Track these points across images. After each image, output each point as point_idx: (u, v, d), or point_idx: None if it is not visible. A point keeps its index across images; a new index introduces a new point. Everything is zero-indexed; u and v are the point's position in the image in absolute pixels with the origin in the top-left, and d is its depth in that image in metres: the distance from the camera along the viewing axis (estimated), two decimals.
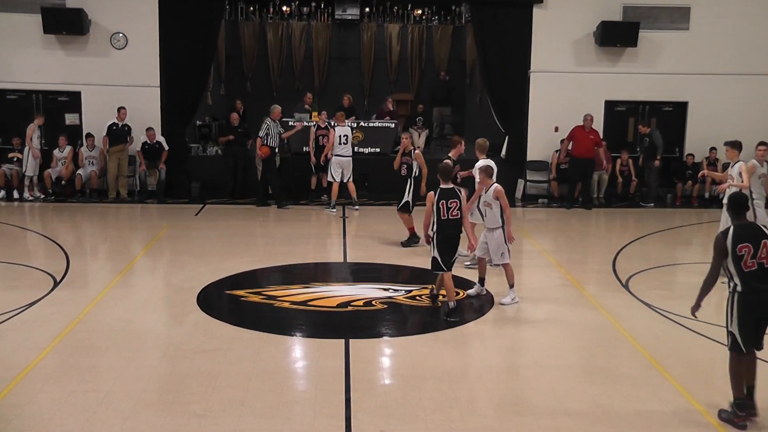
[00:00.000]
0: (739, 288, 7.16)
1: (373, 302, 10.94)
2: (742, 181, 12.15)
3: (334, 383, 8.06)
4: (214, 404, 7.46)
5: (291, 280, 12.23)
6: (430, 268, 10.67)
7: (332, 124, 18.02)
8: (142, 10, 19.25)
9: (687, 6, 19.97)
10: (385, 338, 9.78)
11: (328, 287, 11.85)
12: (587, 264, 13.98)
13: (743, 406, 7.23)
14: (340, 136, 17.42)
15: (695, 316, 7.66)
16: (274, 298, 11.06)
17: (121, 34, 19.40)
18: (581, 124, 19.01)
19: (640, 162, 19.60)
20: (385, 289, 11.59)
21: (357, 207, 17.47)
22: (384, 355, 9.23)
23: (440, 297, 10.84)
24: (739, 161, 12.49)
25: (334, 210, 17.53)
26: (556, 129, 19.85)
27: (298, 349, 9.45)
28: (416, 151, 14.37)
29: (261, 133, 18.02)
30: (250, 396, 7.68)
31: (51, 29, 19.02)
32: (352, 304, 10.87)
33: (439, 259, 10.46)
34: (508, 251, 11.10)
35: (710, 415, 7.41)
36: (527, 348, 9.58)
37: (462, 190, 10.85)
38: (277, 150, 18.33)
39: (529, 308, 11.16)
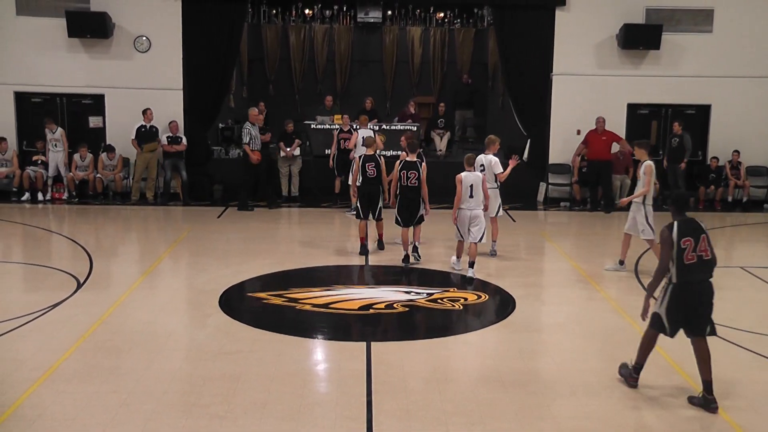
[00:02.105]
0: (674, 279, 7.67)
1: (395, 305, 10.93)
2: (645, 183, 12.50)
3: (355, 386, 8.06)
4: (236, 406, 7.48)
5: (312, 283, 12.23)
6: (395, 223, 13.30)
7: (355, 127, 18.07)
8: (165, 13, 19.40)
9: (710, 8, 19.88)
10: (407, 341, 9.77)
11: (349, 290, 11.85)
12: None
13: (639, 370, 8.16)
14: (363, 138, 17.41)
15: (644, 320, 8.12)
16: (295, 300, 11.07)
17: (144, 38, 19.53)
18: (595, 127, 19.17)
19: (664, 164, 19.51)
20: (406, 292, 11.58)
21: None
22: (405, 358, 9.21)
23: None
24: (647, 161, 12.64)
25: (354, 213, 17.50)
26: (578, 132, 19.78)
27: (319, 351, 9.46)
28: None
29: (245, 140, 18.11)
30: (271, 398, 7.69)
31: (75, 33, 19.20)
32: (373, 306, 10.86)
33: (399, 218, 13.18)
34: (458, 230, 12.69)
35: (733, 421, 7.37)
36: (548, 351, 9.55)
37: (423, 163, 13.13)
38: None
39: (550, 311, 11.16)
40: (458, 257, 12.95)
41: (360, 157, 13.83)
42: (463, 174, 12.45)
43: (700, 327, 7.72)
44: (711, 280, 7.76)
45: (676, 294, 7.70)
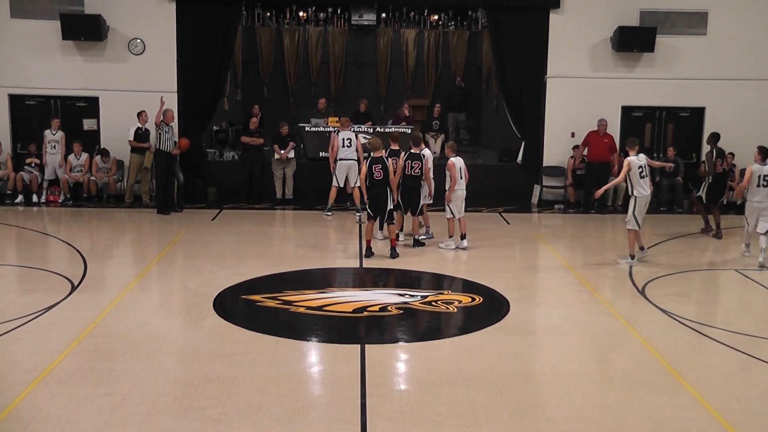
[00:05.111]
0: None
1: (389, 308, 10.92)
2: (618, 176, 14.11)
3: (349, 388, 8.06)
4: (230, 409, 7.47)
5: (307, 285, 12.21)
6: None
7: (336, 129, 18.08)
8: (159, 16, 19.33)
9: (704, 11, 19.89)
10: (401, 343, 9.76)
11: (343, 292, 11.87)
12: (603, 269, 13.91)
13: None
14: (343, 140, 17.35)
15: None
16: (290, 303, 11.07)
17: (138, 40, 19.50)
18: (596, 129, 19.11)
19: (656, 179, 19.55)
20: (400, 295, 11.58)
21: (360, 214, 16.97)
22: (400, 360, 9.22)
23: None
24: (629, 156, 13.69)
25: (329, 214, 17.46)
26: (573, 134, 19.83)
27: (313, 354, 9.45)
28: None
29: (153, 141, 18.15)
30: (266, 401, 7.69)
31: (69, 35, 19.13)
32: (367, 309, 10.85)
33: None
34: (451, 209, 14.58)
35: (727, 422, 7.38)
36: (543, 354, 9.56)
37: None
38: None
39: (545, 314, 11.16)
40: (451, 236, 14.61)
41: (367, 159, 14.09)
42: (452, 159, 14.50)
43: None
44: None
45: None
